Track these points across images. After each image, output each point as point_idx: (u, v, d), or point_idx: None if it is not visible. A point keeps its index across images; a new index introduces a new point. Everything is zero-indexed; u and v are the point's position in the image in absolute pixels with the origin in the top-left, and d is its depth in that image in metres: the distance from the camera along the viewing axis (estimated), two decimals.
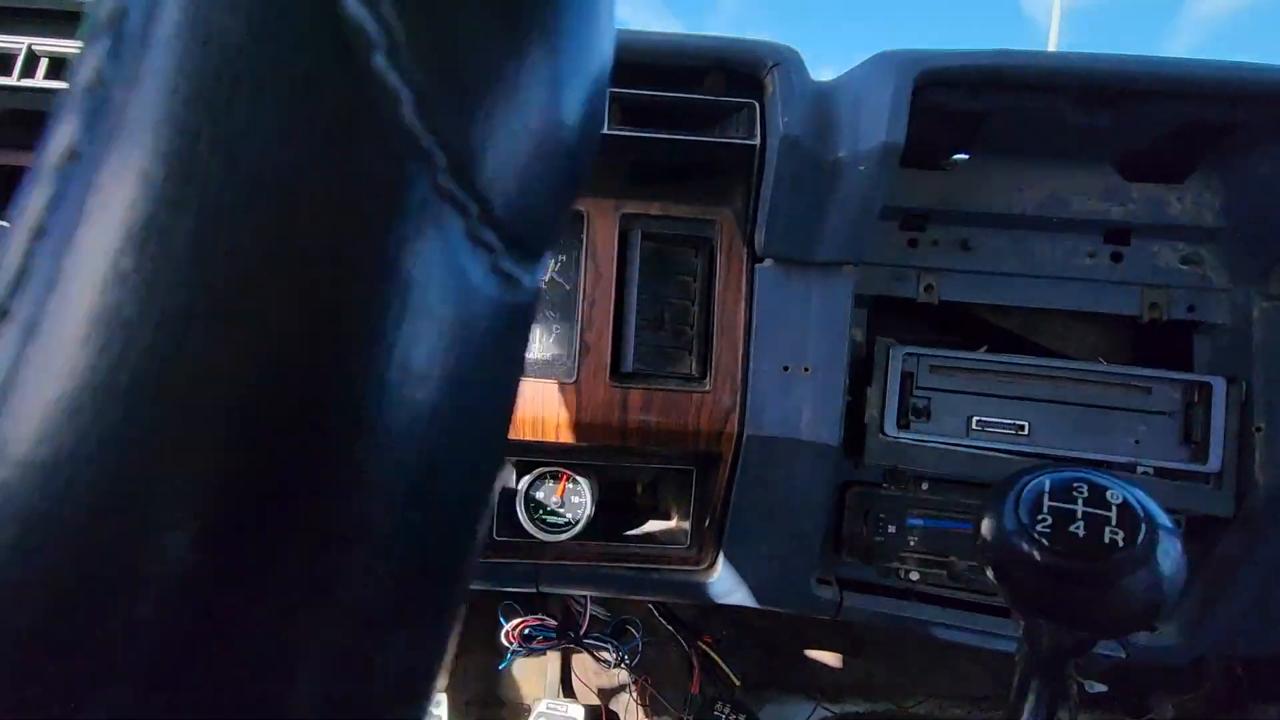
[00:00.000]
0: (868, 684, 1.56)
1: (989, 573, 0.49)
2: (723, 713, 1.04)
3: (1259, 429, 0.90)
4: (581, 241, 0.97)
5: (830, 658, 1.60)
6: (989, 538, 0.49)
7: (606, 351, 0.95)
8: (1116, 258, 0.98)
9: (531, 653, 1.39)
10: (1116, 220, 0.96)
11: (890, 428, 0.95)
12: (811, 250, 0.91)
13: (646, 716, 1.51)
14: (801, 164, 0.83)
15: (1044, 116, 0.88)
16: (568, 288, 0.99)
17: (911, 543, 1.09)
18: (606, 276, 0.96)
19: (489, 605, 1.84)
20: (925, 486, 1.09)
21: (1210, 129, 0.87)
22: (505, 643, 1.37)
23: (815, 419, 0.94)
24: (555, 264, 1.00)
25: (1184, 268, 0.96)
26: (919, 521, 1.09)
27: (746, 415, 0.94)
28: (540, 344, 1.00)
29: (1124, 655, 1.01)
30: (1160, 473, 0.92)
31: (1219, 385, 0.90)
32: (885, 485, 1.10)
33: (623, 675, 1.68)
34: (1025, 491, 0.48)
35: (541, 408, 0.93)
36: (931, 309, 1.06)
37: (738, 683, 1.30)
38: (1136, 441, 0.93)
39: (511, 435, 0.95)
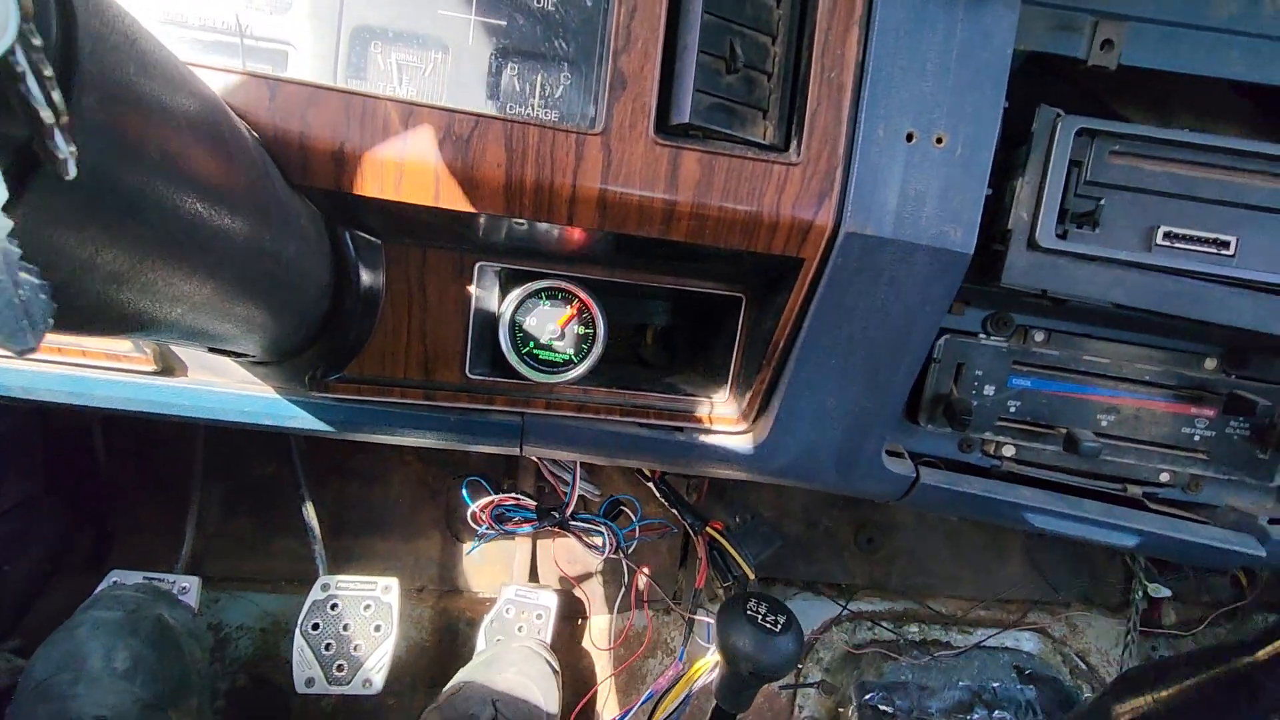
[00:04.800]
0: (884, 582, 1.38)
1: None
2: (757, 611, 0.81)
3: None
4: None
5: (842, 556, 1.40)
6: None
7: (652, 88, 0.62)
8: None
9: (503, 535, 1.13)
10: None
11: (1047, 236, 0.67)
12: None
13: (633, 610, 1.30)
14: None
15: None
16: (588, 2, 0.66)
17: (1012, 409, 0.84)
18: None
19: (440, 482, 1.57)
20: (1040, 337, 0.83)
21: None
22: (473, 524, 1.11)
23: (944, 213, 0.65)
24: None
25: None
26: (1025, 382, 0.84)
27: (848, 203, 0.65)
28: (540, 95, 0.67)
29: (1263, 554, 0.81)
30: None
31: None
32: (985, 334, 0.84)
33: (598, 563, 1.45)
34: None
35: (550, 168, 0.61)
36: (1065, 89, 0.77)
37: (752, 575, 1.08)
38: None
39: (505, 210, 0.63)
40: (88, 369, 0.73)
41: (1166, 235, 0.67)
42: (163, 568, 1.27)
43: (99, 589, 1.17)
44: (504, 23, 0.66)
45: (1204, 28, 0.69)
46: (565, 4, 0.66)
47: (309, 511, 1.33)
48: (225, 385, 0.76)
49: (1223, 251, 0.67)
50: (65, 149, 0.28)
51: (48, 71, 0.26)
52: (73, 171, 0.28)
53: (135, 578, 1.20)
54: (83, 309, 0.40)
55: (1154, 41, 0.69)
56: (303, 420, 0.77)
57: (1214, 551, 0.79)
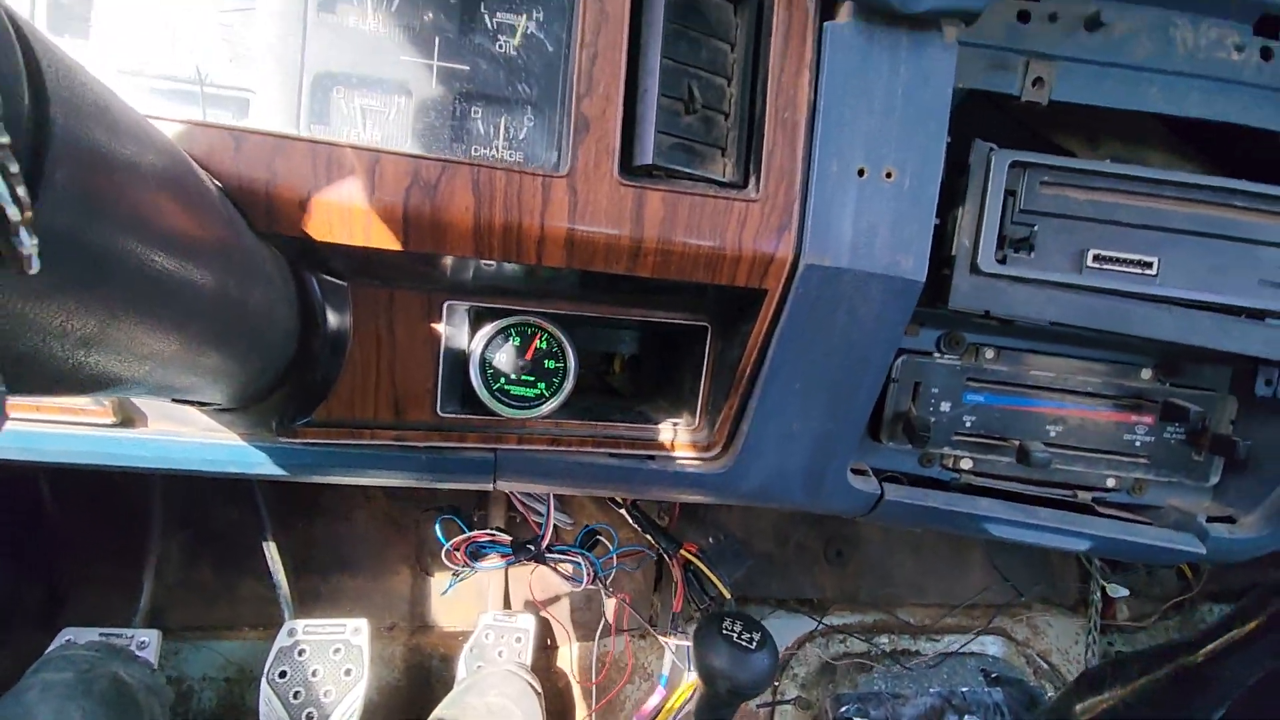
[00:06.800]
0: (854, 595, 1.41)
1: None
2: (733, 630, 0.82)
3: None
4: None
5: (812, 571, 1.43)
6: None
7: (615, 131, 0.64)
8: (1266, 55, 0.76)
9: (479, 571, 1.12)
10: (1273, 1, 0.74)
11: (988, 261, 0.71)
12: None
13: (611, 637, 1.30)
14: None
15: None
16: (549, 47, 0.68)
17: (967, 424, 0.88)
18: (616, 19, 0.64)
19: (408, 517, 1.55)
20: (990, 355, 0.87)
21: None
22: (447, 562, 1.09)
23: (896, 243, 0.68)
24: (530, 14, 0.68)
25: None
26: (979, 398, 0.88)
27: (806, 236, 0.67)
28: (504, 137, 0.68)
29: (1203, 551, 0.86)
30: None
31: None
32: (939, 353, 0.87)
33: (573, 592, 1.45)
34: None
35: (518, 210, 0.63)
36: (1005, 122, 0.82)
37: (729, 595, 1.09)
38: None
39: (475, 252, 0.64)
40: (41, 424, 0.71)
41: (1095, 257, 0.72)
42: (119, 622, 1.23)
43: (50, 649, 1.11)
44: (467, 67, 0.68)
45: (1125, 66, 0.75)
46: (527, 49, 0.68)
47: (272, 554, 1.30)
48: (188, 435, 0.74)
49: (1146, 271, 0.73)
50: (29, 244, 0.27)
51: (13, 168, 0.26)
52: (36, 266, 0.27)
53: (90, 635, 1.15)
54: (50, 375, 0.39)
55: (1081, 79, 0.74)
56: (270, 467, 0.76)
57: (1159, 551, 0.84)
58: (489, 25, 0.68)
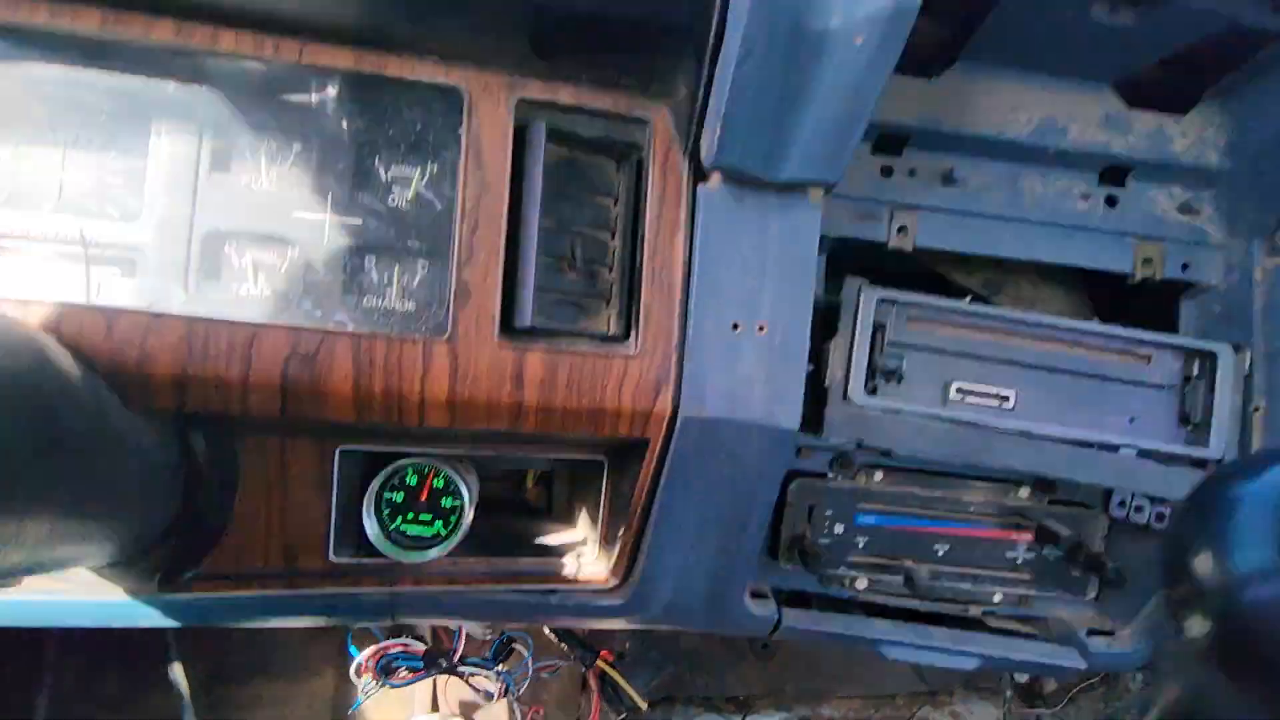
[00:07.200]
0: (780, 691, 1.41)
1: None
2: None
3: (1257, 408, 0.79)
4: (460, 137, 0.68)
5: (739, 666, 1.43)
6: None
7: (495, 297, 0.67)
8: (1111, 202, 0.83)
9: (391, 686, 1.09)
10: (1116, 154, 0.81)
11: (858, 392, 0.75)
12: (774, 165, 0.68)
13: None
14: (778, 31, 0.59)
15: (1059, 13, 0.70)
16: (438, 206, 0.70)
17: (860, 544, 0.91)
18: (495, 189, 0.67)
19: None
20: (879, 476, 0.90)
21: (1231, 48, 0.73)
22: (356, 677, 1.07)
23: (771, 394, 0.72)
24: (422, 172, 0.71)
25: (1181, 218, 0.83)
26: (870, 519, 0.91)
27: (683, 389, 0.70)
28: (398, 286, 0.70)
29: (1084, 665, 0.89)
30: (1156, 456, 0.79)
31: (1225, 354, 0.78)
32: (832, 475, 0.91)
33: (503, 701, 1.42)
34: None
35: (399, 377, 0.64)
36: (881, 261, 0.87)
37: (643, 705, 1.08)
38: (1131, 420, 0.79)
39: (356, 418, 0.65)
40: None
41: (958, 390, 0.77)
42: None
43: None
44: (359, 221, 0.70)
45: (980, 215, 0.81)
46: (417, 205, 0.70)
47: (176, 672, 1.25)
48: (68, 592, 0.72)
49: (1004, 404, 0.78)
50: None
51: None
52: None
53: None
54: None
55: (940, 227, 0.80)
56: (158, 619, 0.74)
57: (1043, 667, 0.87)
58: (383, 179, 0.70)
